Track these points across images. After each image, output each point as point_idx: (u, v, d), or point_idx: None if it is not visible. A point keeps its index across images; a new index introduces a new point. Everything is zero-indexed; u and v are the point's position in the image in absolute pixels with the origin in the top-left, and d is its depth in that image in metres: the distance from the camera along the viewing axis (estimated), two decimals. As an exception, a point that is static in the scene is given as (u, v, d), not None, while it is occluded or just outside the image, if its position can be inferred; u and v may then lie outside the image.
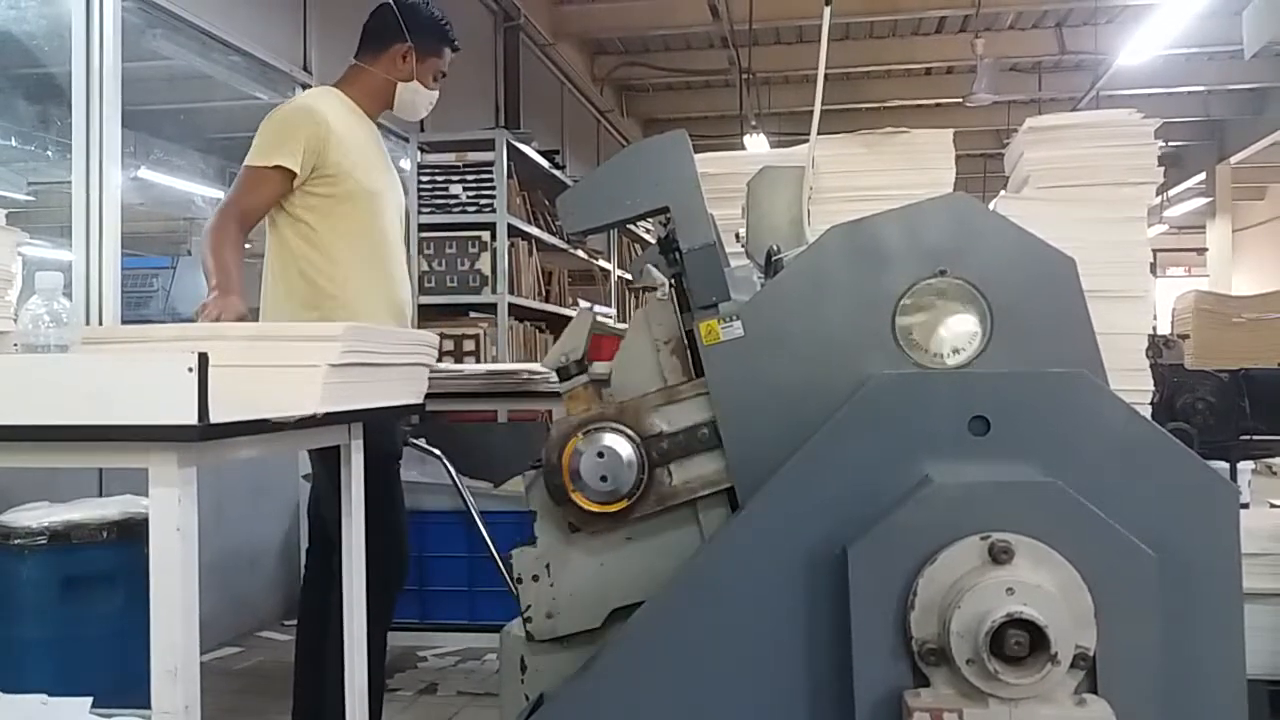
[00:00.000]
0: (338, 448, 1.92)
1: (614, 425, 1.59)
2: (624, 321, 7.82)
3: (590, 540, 1.63)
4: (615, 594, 1.62)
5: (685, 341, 1.65)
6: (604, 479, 1.57)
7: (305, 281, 2.46)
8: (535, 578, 1.63)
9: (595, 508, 1.59)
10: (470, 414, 4.59)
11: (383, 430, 2.34)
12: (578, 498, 1.59)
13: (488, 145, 5.31)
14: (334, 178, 2.44)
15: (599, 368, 1.71)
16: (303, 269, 2.46)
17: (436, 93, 2.70)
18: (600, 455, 1.57)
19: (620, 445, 1.58)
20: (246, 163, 2.44)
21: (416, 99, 2.66)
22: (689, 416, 1.60)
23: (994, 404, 1.44)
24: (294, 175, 2.40)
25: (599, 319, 1.82)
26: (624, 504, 1.58)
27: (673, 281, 1.70)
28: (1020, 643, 1.30)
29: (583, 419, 1.61)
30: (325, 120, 2.44)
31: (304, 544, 2.68)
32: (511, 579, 1.65)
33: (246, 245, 2.46)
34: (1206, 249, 15.08)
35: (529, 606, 1.63)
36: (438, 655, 4.00)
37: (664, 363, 1.66)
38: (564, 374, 1.69)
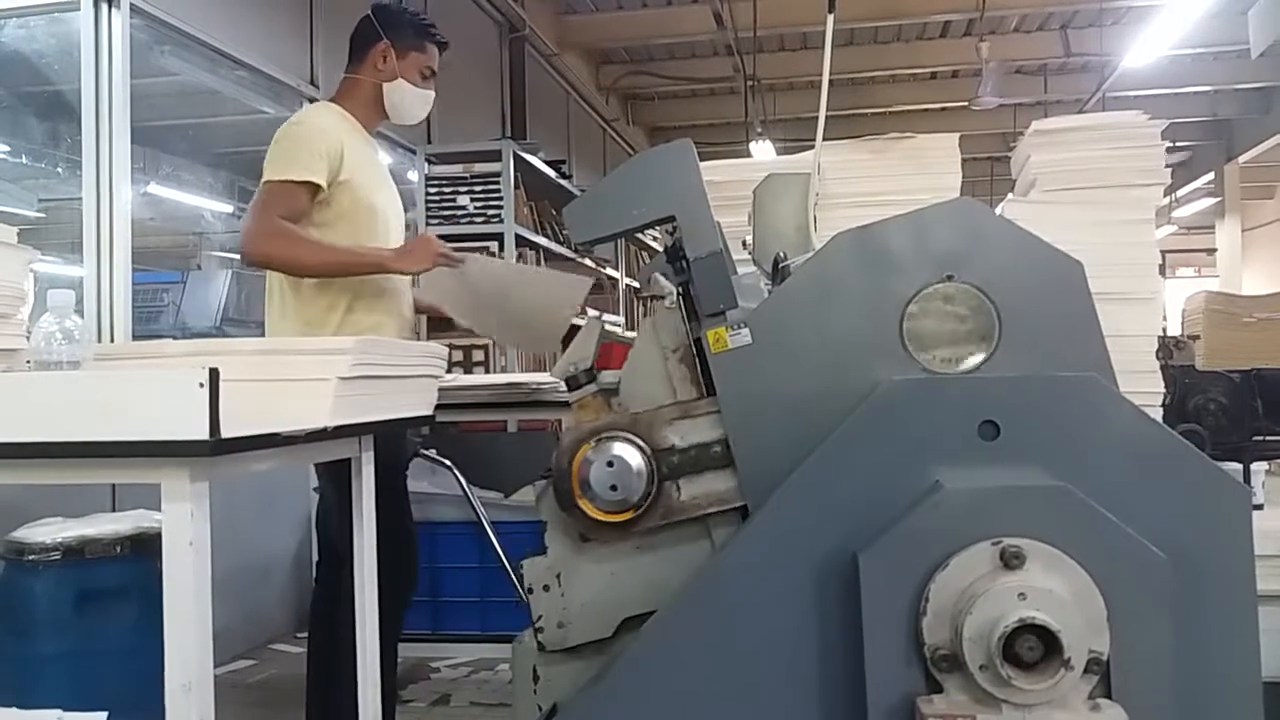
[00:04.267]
0: (344, 461, 1.93)
1: (626, 435, 1.59)
2: (633, 330, 7.82)
3: (601, 550, 1.62)
4: (626, 604, 1.62)
5: (694, 350, 1.65)
6: (613, 488, 1.57)
7: (305, 300, 2.44)
8: (546, 588, 1.63)
9: (602, 516, 1.58)
10: (480, 424, 4.59)
11: (388, 441, 2.34)
12: (585, 505, 1.59)
13: (494, 156, 5.33)
14: (338, 195, 2.43)
15: (608, 377, 1.70)
16: (306, 286, 2.44)
17: (430, 92, 2.64)
18: (610, 464, 1.57)
19: (631, 455, 1.58)
20: (269, 178, 2.38)
21: (406, 99, 2.61)
22: (702, 433, 1.60)
23: (1004, 408, 1.43)
24: (318, 190, 2.38)
25: (608, 328, 1.82)
26: (630, 514, 1.58)
27: (680, 289, 1.70)
28: (1033, 648, 1.29)
29: (595, 427, 1.61)
30: (337, 136, 2.45)
31: (315, 556, 2.68)
32: (523, 589, 1.65)
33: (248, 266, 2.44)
34: (1216, 249, 15.01)
35: (540, 616, 1.63)
36: (450, 666, 4.00)
37: (673, 371, 1.66)
38: (573, 383, 1.68)
